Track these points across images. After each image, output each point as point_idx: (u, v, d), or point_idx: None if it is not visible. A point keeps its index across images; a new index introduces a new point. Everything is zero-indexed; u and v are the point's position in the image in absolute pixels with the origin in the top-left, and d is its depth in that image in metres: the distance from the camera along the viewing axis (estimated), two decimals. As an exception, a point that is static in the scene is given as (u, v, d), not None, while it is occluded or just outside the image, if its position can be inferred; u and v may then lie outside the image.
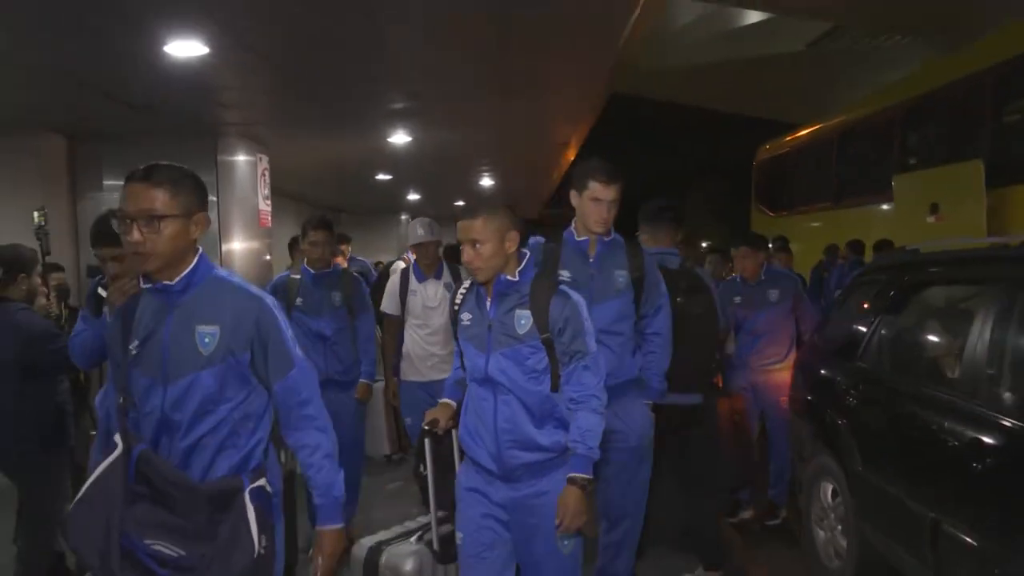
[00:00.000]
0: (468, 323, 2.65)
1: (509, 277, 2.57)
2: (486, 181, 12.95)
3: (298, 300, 4.20)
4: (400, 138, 7.84)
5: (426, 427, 2.78)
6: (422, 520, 3.27)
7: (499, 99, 6.38)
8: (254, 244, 7.51)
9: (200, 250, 2.08)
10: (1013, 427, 2.47)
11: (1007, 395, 2.63)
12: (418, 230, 4.62)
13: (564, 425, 2.55)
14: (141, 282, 2.06)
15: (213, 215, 6.87)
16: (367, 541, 3.20)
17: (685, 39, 13.61)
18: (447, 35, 4.67)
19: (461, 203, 18.30)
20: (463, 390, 2.78)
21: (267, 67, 5.05)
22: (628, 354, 3.25)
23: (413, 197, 15.24)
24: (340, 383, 4.24)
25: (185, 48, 4.35)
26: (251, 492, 2.01)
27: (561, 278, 3.10)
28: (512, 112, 6.98)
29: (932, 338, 3.40)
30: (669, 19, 12.68)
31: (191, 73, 4.83)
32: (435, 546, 2.92)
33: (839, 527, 3.62)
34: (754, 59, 13.35)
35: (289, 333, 2.10)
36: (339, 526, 2.14)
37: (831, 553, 3.69)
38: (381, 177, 11.21)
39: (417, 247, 4.63)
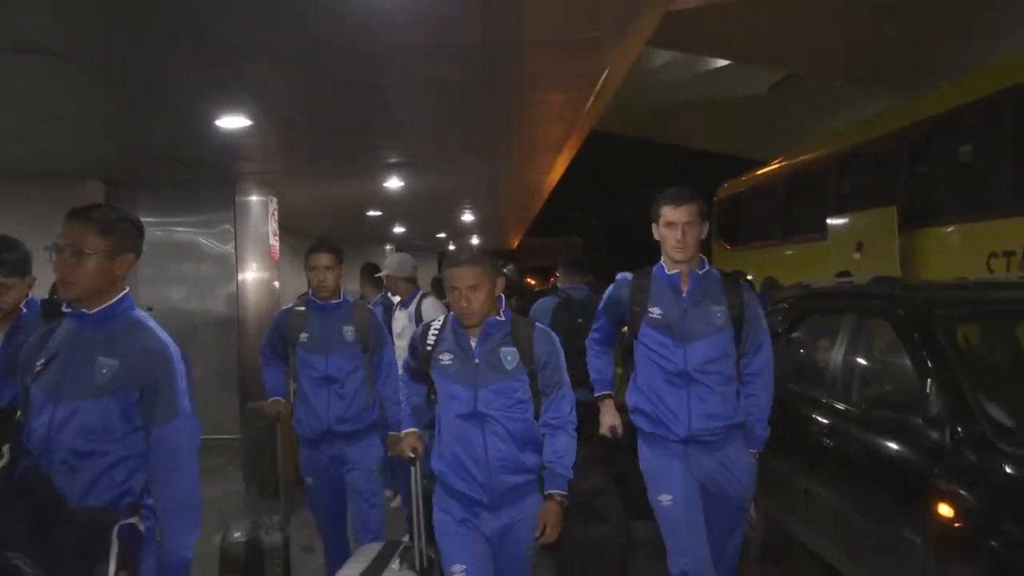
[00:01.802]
0: (449, 362, 2.73)
1: (498, 318, 2.74)
2: (467, 216, 14.03)
3: (302, 336, 3.73)
4: (393, 183, 8.90)
5: (412, 455, 2.95)
6: (401, 542, 3.30)
7: (480, 155, 7.48)
8: (264, 275, 8.48)
9: (127, 289, 2.20)
10: (857, 414, 3.53)
11: (854, 392, 3.71)
12: (392, 262, 5.18)
13: (538, 448, 2.75)
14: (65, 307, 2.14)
15: (230, 249, 8.09)
16: (348, 571, 3.14)
17: (661, 78, 14.20)
18: (436, 108, 5.70)
19: (443, 235, 19.34)
20: (421, 419, 2.98)
21: (290, 133, 6.13)
22: (731, 396, 3.10)
23: (399, 230, 16.25)
24: (347, 435, 3.73)
25: (233, 121, 5.40)
26: (121, 527, 1.97)
27: (651, 315, 3.11)
28: (492, 162, 8.08)
29: (812, 351, 4.48)
30: (646, 59, 13.17)
31: (232, 138, 5.88)
32: (418, 568, 3.06)
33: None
34: (723, 99, 14.14)
35: (183, 385, 2.14)
36: None
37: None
38: (372, 213, 12.24)
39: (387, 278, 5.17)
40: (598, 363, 3.46)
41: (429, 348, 2.79)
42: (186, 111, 5.21)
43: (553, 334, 2.81)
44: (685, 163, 24.10)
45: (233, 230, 8.18)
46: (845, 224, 9.23)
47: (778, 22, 9.83)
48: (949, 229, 7.54)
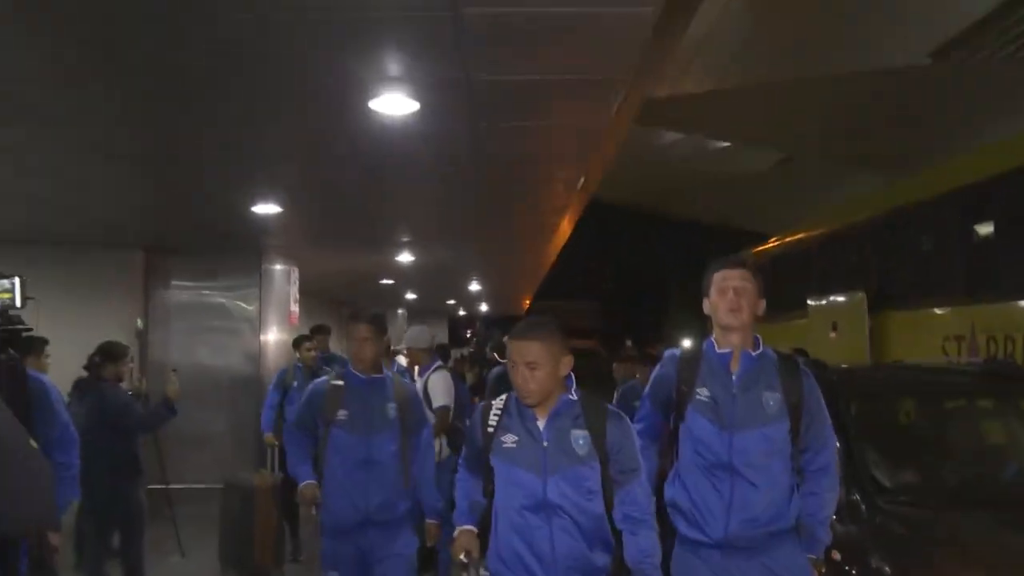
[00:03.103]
0: (513, 445, 2.45)
1: (570, 397, 2.48)
2: (474, 285, 14.87)
3: (340, 414, 3.39)
4: (404, 257, 9.77)
5: (463, 560, 2.54)
6: None
7: (479, 237, 8.33)
8: (284, 336, 9.24)
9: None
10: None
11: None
12: (411, 335, 5.33)
13: (608, 547, 2.45)
14: None
15: (255, 309, 8.84)
16: None
17: (671, 154, 14.42)
18: (438, 201, 6.57)
19: (452, 301, 20.17)
20: (478, 514, 2.60)
21: (313, 217, 7.00)
22: (779, 499, 2.66)
23: (411, 296, 17.11)
24: (384, 523, 3.41)
25: (265, 208, 6.26)
26: None
27: (698, 397, 2.73)
28: (491, 243, 8.93)
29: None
30: (656, 137, 13.50)
31: (262, 221, 6.75)
32: None
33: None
34: (730, 175, 14.41)
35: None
36: None
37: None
38: (385, 281, 13.10)
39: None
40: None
41: (491, 430, 2.50)
42: (223, 200, 6.10)
43: (626, 417, 2.54)
44: (697, 235, 24.77)
45: (259, 294, 8.95)
46: (822, 306, 9.73)
47: (772, 109, 10.48)
48: (912, 313, 8.13)
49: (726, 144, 13.63)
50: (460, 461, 2.76)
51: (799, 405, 2.68)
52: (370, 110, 3.79)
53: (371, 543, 3.44)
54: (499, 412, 2.54)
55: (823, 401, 2.78)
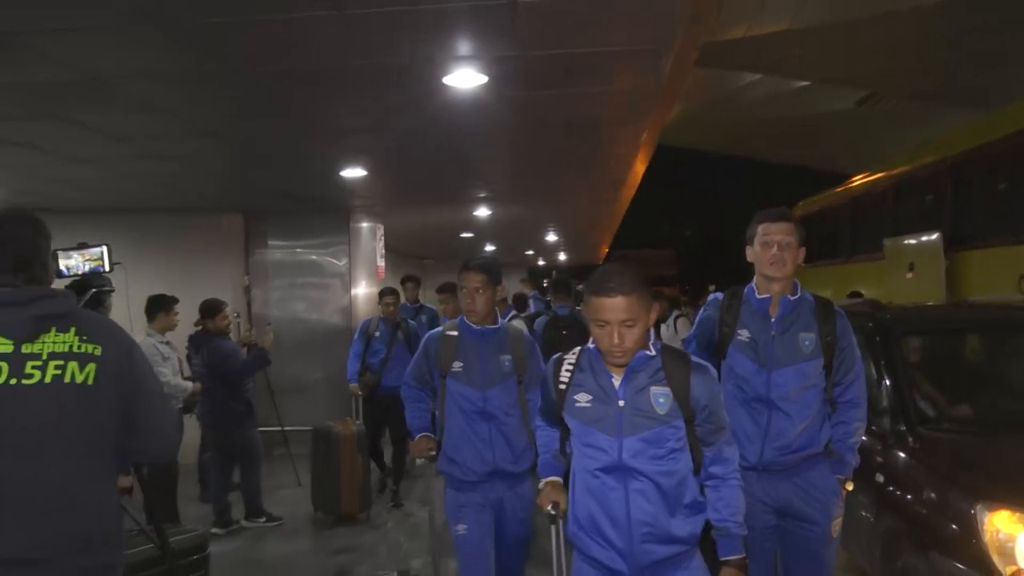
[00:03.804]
0: (587, 404, 2.30)
1: (648, 352, 2.29)
2: (551, 236, 15.25)
3: (456, 365, 3.33)
4: (482, 212, 10.22)
5: (552, 512, 2.55)
6: None
7: (553, 188, 8.69)
8: (372, 290, 9.73)
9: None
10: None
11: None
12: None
13: (695, 511, 2.31)
14: None
15: (345, 267, 9.46)
16: None
17: (750, 96, 14.36)
18: (510, 159, 6.91)
19: (531, 251, 20.58)
20: (563, 467, 2.57)
21: (395, 180, 7.50)
22: (812, 428, 2.93)
23: (490, 248, 17.63)
24: (512, 475, 3.37)
25: (352, 172, 6.77)
26: None
27: (739, 338, 2.96)
28: (566, 193, 9.28)
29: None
30: (734, 80, 13.60)
31: (349, 184, 7.28)
32: None
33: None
34: (810, 115, 14.30)
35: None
36: None
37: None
38: (464, 235, 13.61)
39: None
40: None
41: (563, 387, 2.36)
42: (313, 168, 6.63)
43: (713, 370, 2.37)
44: (775, 177, 24.41)
45: (348, 251, 9.52)
46: (899, 246, 9.75)
47: (852, 45, 10.33)
48: (986, 252, 8.17)
49: (805, 83, 13.41)
50: (539, 411, 2.66)
51: (833, 343, 2.92)
52: (444, 85, 4.21)
53: (499, 495, 3.37)
54: (571, 367, 2.39)
55: (855, 339, 3.03)
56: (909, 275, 9.34)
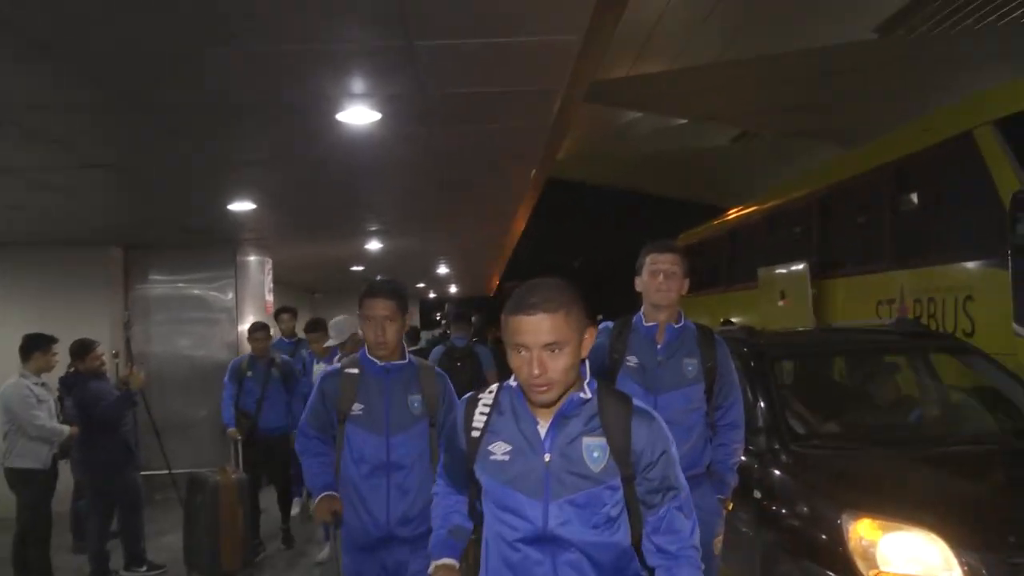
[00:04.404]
0: (505, 457, 1.88)
1: (582, 395, 1.88)
2: (443, 269, 15.32)
3: (356, 408, 2.92)
4: (373, 245, 10.20)
5: None
6: None
7: (444, 221, 8.80)
8: (260, 325, 9.66)
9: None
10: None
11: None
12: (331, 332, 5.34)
13: None
14: None
15: (232, 302, 9.21)
16: None
17: (633, 132, 14.84)
18: (403, 192, 6.96)
19: (422, 284, 20.58)
20: (463, 542, 2.12)
21: (285, 213, 7.43)
22: (698, 447, 3.12)
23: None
24: (408, 540, 2.94)
25: (241, 205, 6.66)
26: None
27: (628, 363, 3.10)
28: (456, 226, 9.41)
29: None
30: (618, 116, 14.04)
31: (237, 217, 7.15)
32: None
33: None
34: (689, 150, 14.98)
35: None
36: None
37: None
38: (355, 268, 13.51)
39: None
40: None
41: (476, 434, 1.94)
42: (200, 200, 6.51)
43: (659, 416, 1.94)
44: (661, 210, 25.22)
45: (235, 285, 9.30)
46: (771, 276, 10.26)
47: (726, 86, 10.84)
48: (849, 280, 8.73)
49: (684, 121, 13.93)
50: (439, 470, 2.22)
51: (713, 369, 3.13)
52: (337, 121, 4.26)
53: (397, 561, 2.98)
54: (487, 409, 1.95)
55: (733, 366, 3.26)
56: (781, 303, 9.89)
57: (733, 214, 13.33)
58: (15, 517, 5.48)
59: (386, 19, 2.98)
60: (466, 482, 2.02)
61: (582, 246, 39.09)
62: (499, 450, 1.91)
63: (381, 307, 2.93)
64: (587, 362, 1.92)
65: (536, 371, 1.79)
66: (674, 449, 1.92)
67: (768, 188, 12.07)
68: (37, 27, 2.91)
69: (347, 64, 3.49)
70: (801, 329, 7.48)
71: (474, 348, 7.40)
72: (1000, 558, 2.95)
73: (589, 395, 1.90)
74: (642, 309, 3.22)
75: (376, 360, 3.00)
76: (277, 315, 8.31)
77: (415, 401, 2.99)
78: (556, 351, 1.79)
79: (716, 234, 13.89)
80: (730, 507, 3.30)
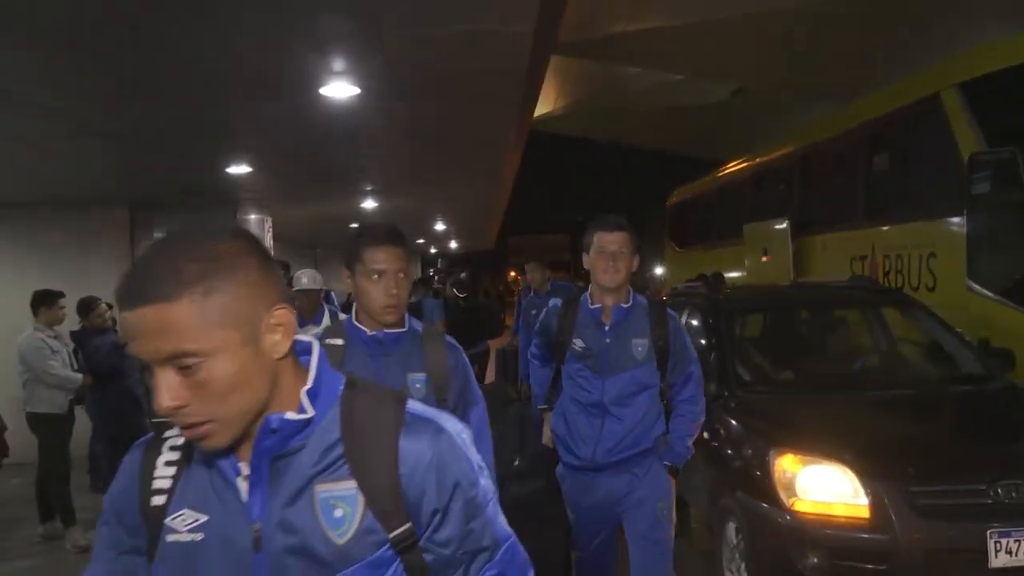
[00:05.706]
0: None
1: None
2: (440, 225, 15.67)
3: None
4: (369, 204, 10.57)
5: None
6: None
7: (433, 179, 9.14)
8: (262, 281, 10.03)
9: None
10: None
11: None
12: (302, 279, 5.01)
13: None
14: None
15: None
16: None
17: (634, 87, 14.82)
18: (389, 155, 7.32)
19: (421, 240, 20.91)
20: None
21: (282, 175, 7.79)
22: (647, 423, 3.05)
23: (381, 237, 17.87)
24: None
25: (239, 169, 7.03)
26: None
27: (575, 346, 3.04)
28: (446, 183, 9.75)
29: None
30: (619, 71, 14.14)
31: (236, 179, 7.52)
32: None
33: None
34: (689, 105, 15.03)
35: None
36: None
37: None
38: (353, 225, 13.86)
39: (301, 294, 4.87)
40: (539, 375, 3.39)
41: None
42: (200, 163, 6.86)
43: (452, 427, 1.15)
44: (660, 164, 25.34)
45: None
46: (756, 231, 10.41)
47: (726, 40, 10.96)
48: (825, 237, 9.00)
49: (682, 77, 14.10)
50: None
51: (665, 347, 3.00)
52: (320, 95, 4.61)
53: None
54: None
55: (687, 340, 3.16)
56: (764, 259, 10.11)
57: (723, 171, 13.47)
58: (37, 461, 5.93)
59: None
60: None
61: (584, 201, 39.28)
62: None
63: (393, 256, 2.25)
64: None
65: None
66: (484, 477, 1.17)
67: (761, 144, 12.15)
68: (48, 15, 3.22)
69: (327, 46, 3.83)
70: (765, 284, 7.76)
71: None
72: (899, 486, 3.37)
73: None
74: (589, 288, 3.09)
75: (364, 328, 2.28)
76: None
77: (417, 381, 2.27)
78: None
79: (707, 190, 13.99)
80: (676, 475, 3.15)
